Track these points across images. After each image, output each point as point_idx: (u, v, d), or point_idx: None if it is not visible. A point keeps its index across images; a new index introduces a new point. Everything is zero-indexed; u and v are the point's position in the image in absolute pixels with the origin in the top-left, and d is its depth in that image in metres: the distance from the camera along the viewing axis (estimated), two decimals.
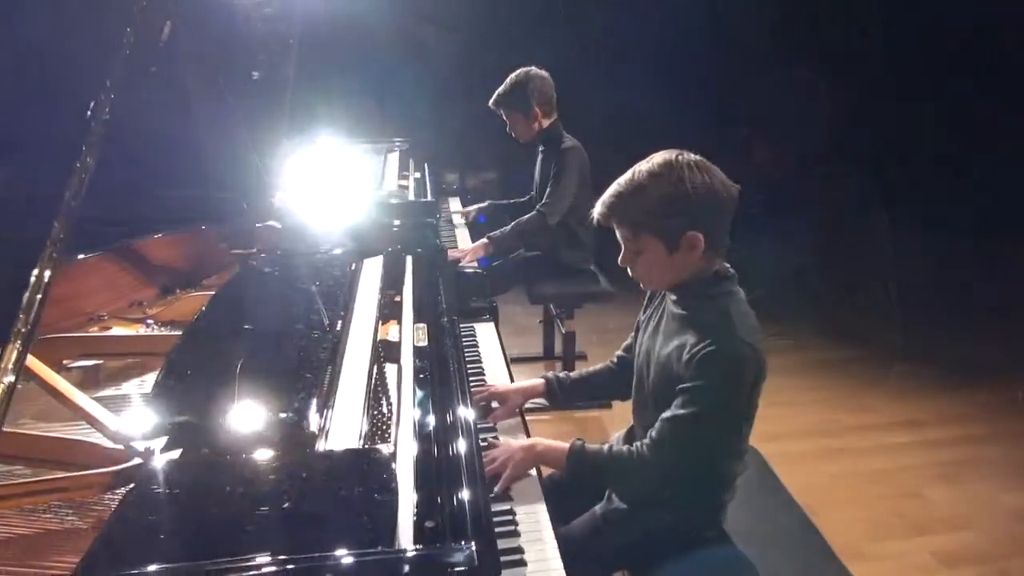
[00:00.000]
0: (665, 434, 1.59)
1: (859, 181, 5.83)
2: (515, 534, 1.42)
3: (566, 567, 1.44)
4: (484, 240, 3.46)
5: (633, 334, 1.92)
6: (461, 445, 1.29)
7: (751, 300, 1.68)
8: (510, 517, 1.46)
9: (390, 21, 4.92)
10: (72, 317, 2.00)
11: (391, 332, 1.85)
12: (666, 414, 1.59)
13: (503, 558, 1.33)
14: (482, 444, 1.72)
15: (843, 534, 2.68)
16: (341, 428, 1.22)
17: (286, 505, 0.97)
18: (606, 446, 1.68)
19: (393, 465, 1.05)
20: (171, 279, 2.27)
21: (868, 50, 5.78)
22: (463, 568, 0.87)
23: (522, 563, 1.34)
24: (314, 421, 1.20)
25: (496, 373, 2.09)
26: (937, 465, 3.23)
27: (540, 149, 3.59)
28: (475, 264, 3.26)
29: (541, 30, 3.47)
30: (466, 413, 1.42)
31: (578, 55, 5.00)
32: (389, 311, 1.95)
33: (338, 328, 1.57)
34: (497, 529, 1.41)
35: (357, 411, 1.25)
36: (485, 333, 2.32)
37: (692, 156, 1.59)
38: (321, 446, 1.15)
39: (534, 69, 3.40)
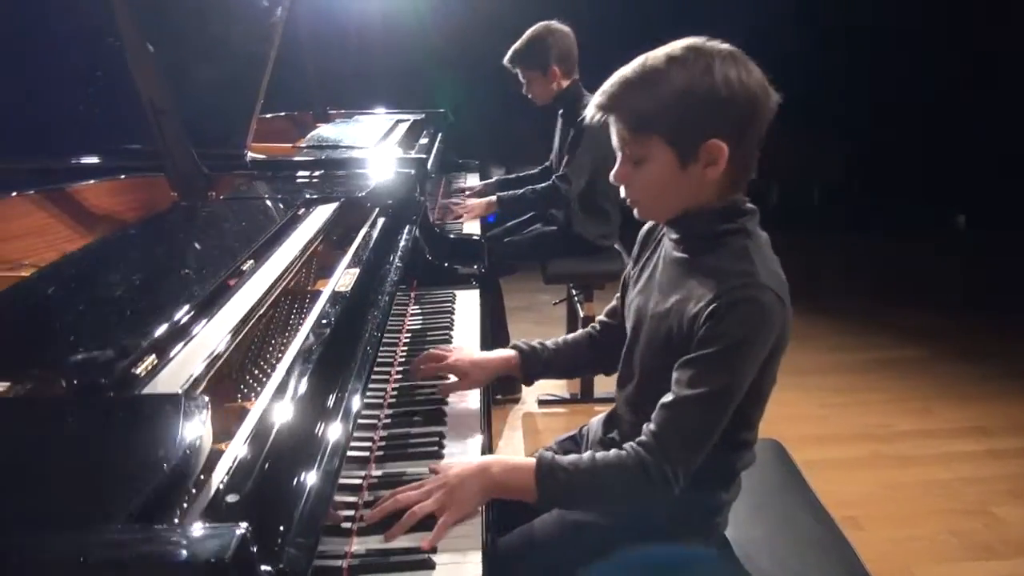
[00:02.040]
0: (669, 426, 1.20)
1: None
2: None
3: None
4: (492, 198, 3.21)
5: (619, 294, 1.56)
6: (330, 409, 0.97)
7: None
8: None
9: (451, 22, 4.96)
10: None
11: None
12: (667, 398, 1.21)
13: (406, 558, 1.04)
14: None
15: (893, 553, 2.34)
16: (172, 376, 0.92)
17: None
18: (586, 454, 1.25)
19: (198, 420, 0.75)
20: (113, 230, 2.03)
21: None
22: (214, 559, 0.57)
23: (429, 564, 1.03)
24: (143, 365, 0.91)
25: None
26: (1007, 479, 2.83)
27: (560, 113, 3.27)
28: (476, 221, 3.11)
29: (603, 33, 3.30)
30: (357, 379, 1.10)
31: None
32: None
33: (241, 271, 1.29)
34: None
35: (200, 359, 0.95)
36: (466, 301, 2.00)
37: (725, 45, 1.23)
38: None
39: (555, 23, 3.11)
